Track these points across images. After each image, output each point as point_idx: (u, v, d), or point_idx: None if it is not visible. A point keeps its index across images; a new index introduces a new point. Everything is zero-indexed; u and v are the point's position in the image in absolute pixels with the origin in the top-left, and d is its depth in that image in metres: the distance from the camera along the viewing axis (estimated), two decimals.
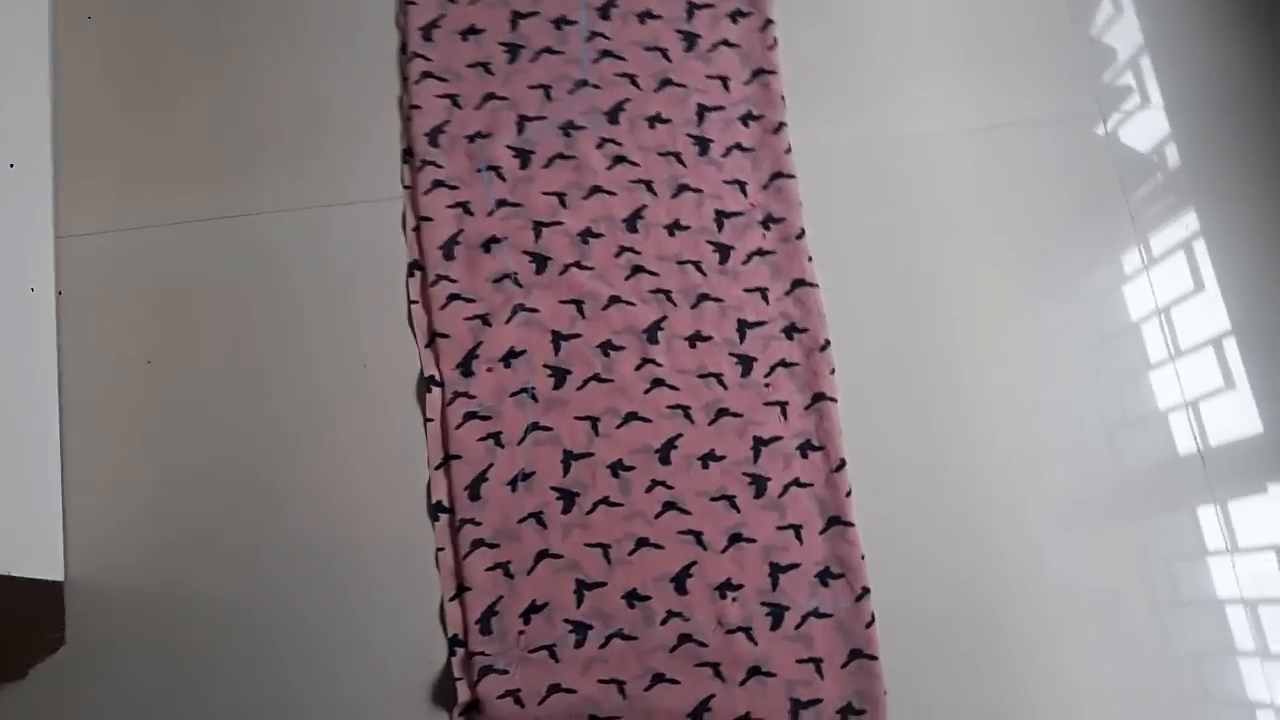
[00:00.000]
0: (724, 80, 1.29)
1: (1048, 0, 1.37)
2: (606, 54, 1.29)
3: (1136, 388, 1.24)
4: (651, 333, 1.19)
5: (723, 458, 1.14)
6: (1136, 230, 1.29)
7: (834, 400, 1.17)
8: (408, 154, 1.25)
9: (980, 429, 1.20)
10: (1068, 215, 1.29)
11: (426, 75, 1.27)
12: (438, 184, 1.23)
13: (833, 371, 1.19)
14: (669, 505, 1.12)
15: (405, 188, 1.24)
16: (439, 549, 1.11)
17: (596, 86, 1.28)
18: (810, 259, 1.23)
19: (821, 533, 1.12)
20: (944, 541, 1.15)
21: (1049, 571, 1.15)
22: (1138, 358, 1.25)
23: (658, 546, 1.10)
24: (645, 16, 1.31)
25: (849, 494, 1.13)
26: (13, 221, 1.11)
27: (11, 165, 1.09)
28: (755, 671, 1.07)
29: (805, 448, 1.15)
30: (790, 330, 1.21)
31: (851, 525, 1.12)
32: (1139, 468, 1.21)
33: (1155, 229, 1.29)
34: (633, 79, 1.29)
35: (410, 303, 1.19)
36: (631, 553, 1.10)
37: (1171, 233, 1.29)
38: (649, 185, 1.25)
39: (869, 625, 1.08)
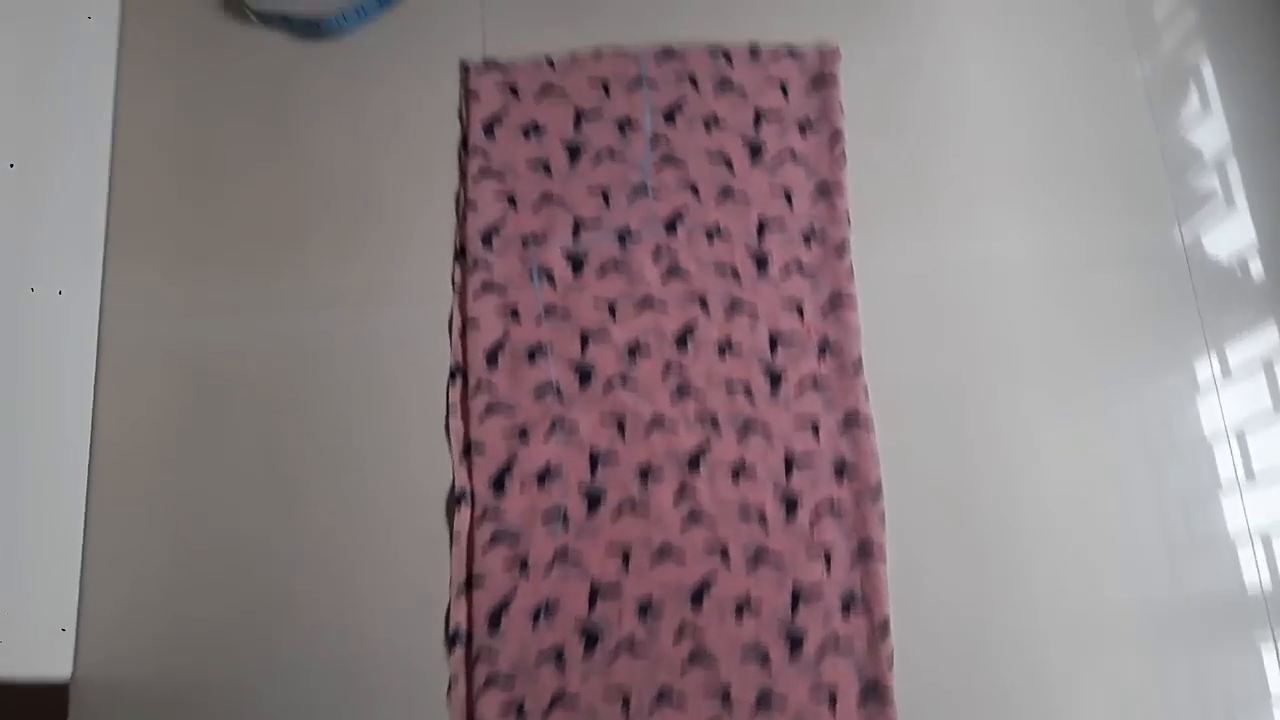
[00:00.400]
0: (788, 194, 1.24)
1: (1129, 108, 1.30)
2: (669, 159, 1.25)
3: (1205, 509, 1.16)
4: (693, 461, 1.14)
5: (759, 608, 1.08)
6: (1211, 341, 1.22)
7: (883, 552, 1.10)
8: (461, 253, 1.22)
9: (1037, 566, 1.13)
10: (1140, 322, 1.22)
11: (485, 172, 1.24)
12: (487, 286, 1.20)
13: (883, 520, 1.12)
14: (696, 656, 1.06)
15: (455, 288, 1.21)
16: (452, 679, 1.06)
17: (656, 193, 1.24)
18: (866, 392, 1.17)
19: (859, 705, 1.05)
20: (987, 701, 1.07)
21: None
22: (1207, 477, 1.17)
23: (680, 703, 1.05)
24: (711, 123, 1.27)
25: (891, 661, 1.06)
26: (56, 302, 1.10)
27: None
28: None
29: (848, 603, 1.09)
30: (840, 469, 1.14)
31: (890, 698, 1.04)
32: (1202, 594, 1.14)
33: (1232, 341, 1.22)
34: (693, 187, 1.24)
35: (449, 409, 1.16)
36: (652, 708, 1.04)
37: (1249, 347, 1.22)
38: (702, 301, 1.20)
39: None
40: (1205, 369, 1.21)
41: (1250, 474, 1.17)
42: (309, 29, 1.27)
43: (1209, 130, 1.30)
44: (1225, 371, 1.21)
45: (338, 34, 1.27)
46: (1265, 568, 1.14)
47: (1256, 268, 1.25)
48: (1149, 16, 1.35)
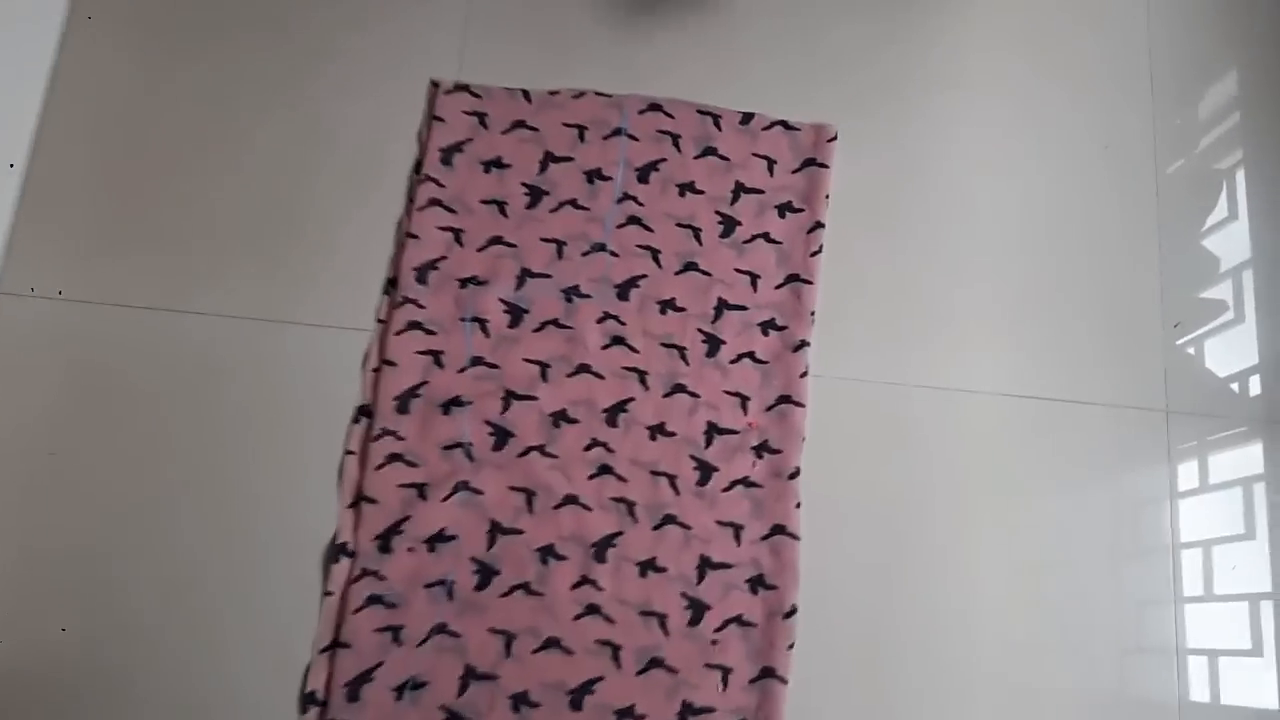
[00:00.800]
0: (754, 278, 1.16)
1: (1137, 223, 1.23)
2: (634, 220, 1.17)
3: (1161, 618, 1.11)
4: (601, 549, 1.05)
5: (642, 717, 0.99)
6: (1195, 452, 1.16)
7: (784, 681, 1.02)
8: (391, 284, 1.13)
9: (978, 659, 1.07)
10: (1119, 433, 1.16)
11: (434, 203, 1.15)
12: (414, 325, 1.11)
13: (791, 646, 1.03)
14: None
15: (378, 321, 1.12)
16: None
17: (614, 254, 1.15)
18: (799, 505, 1.08)
19: None
20: None
21: None
22: (1169, 588, 1.12)
23: None
24: (686, 189, 1.18)
25: None
26: None
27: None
28: None
29: None
30: (756, 583, 1.06)
31: None
32: (1146, 701, 1.08)
33: (1216, 455, 1.16)
34: (655, 254, 1.16)
35: (346, 452, 1.07)
36: None
37: (1233, 464, 1.16)
38: (642, 376, 1.11)
39: None
40: (1185, 480, 1.15)
41: (1210, 591, 1.12)
42: None
43: (1230, 240, 1.24)
44: (1205, 485, 1.15)
45: None
46: (1212, 688, 1.09)
47: (1254, 386, 1.19)
48: (1190, 118, 1.27)
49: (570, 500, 1.06)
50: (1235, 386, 1.19)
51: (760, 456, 1.10)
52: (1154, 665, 1.09)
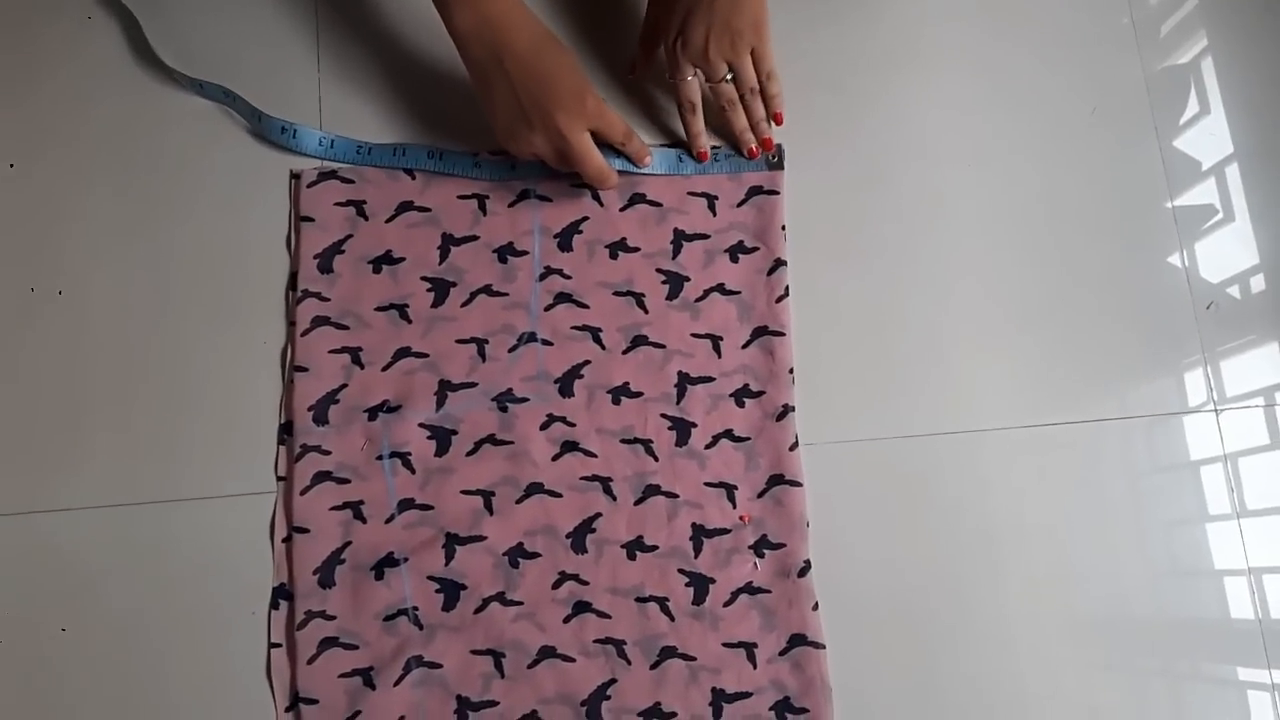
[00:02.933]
0: (715, 341, 0.98)
1: (1149, 215, 1.05)
2: (564, 298, 0.98)
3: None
4: (593, 706, 0.88)
5: None
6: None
7: None
8: (286, 431, 0.94)
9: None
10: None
11: (320, 321, 0.96)
12: (322, 476, 0.92)
13: None
14: None
15: (279, 479, 0.93)
16: None
17: (547, 342, 0.97)
18: (816, 606, 0.91)
19: None
20: None
21: None
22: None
23: None
24: (618, 249, 1.00)
25: None
26: None
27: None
28: None
29: None
30: (783, 709, 0.89)
31: None
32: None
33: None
34: (595, 334, 0.97)
35: (271, 646, 0.89)
36: None
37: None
38: (606, 485, 0.93)
39: None
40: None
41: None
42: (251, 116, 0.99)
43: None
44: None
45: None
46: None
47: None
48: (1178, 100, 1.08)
49: (547, 653, 0.89)
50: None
51: (760, 555, 0.93)
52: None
